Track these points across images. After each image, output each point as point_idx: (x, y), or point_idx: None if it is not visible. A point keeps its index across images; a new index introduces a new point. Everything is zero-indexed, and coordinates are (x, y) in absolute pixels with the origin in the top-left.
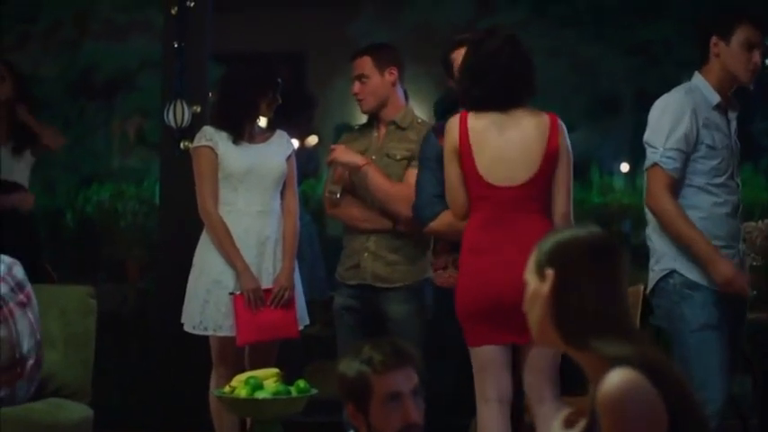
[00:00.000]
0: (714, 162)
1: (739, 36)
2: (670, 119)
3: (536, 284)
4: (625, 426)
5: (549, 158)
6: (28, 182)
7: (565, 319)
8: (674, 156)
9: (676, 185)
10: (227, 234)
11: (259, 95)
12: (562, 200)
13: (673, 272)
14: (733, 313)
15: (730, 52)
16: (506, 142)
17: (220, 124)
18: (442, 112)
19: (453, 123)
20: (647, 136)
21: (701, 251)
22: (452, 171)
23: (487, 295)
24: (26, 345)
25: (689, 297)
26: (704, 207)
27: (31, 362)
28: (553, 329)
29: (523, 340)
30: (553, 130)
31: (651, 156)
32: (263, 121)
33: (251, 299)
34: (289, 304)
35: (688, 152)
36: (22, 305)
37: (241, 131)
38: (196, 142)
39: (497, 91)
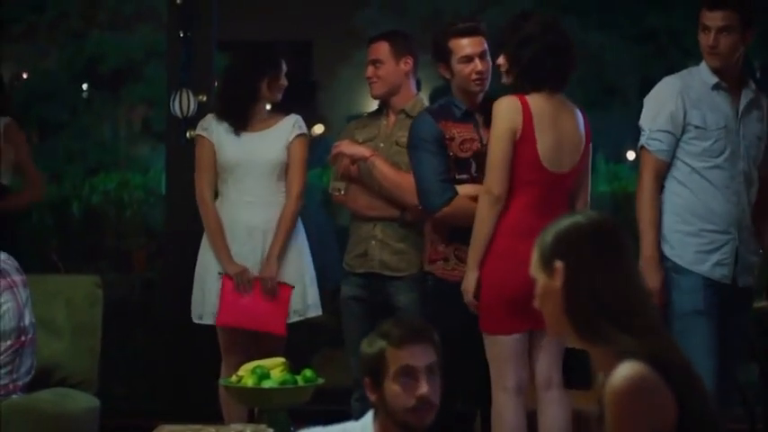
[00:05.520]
0: (706, 143)
1: (700, 20)
2: (656, 102)
3: (545, 280)
4: (628, 419)
5: (587, 148)
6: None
7: (579, 311)
8: (660, 137)
9: (663, 167)
10: (216, 224)
11: (257, 78)
12: (585, 191)
13: (662, 256)
14: (728, 299)
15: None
16: (562, 128)
17: (222, 114)
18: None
19: (513, 104)
20: (639, 120)
21: (643, 250)
22: (503, 152)
23: (526, 280)
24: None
25: (676, 282)
26: (693, 187)
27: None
28: (568, 324)
29: (539, 326)
30: (585, 120)
31: (640, 139)
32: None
33: (238, 282)
34: (281, 299)
35: (676, 133)
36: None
37: (242, 120)
38: (196, 131)
39: (556, 70)
